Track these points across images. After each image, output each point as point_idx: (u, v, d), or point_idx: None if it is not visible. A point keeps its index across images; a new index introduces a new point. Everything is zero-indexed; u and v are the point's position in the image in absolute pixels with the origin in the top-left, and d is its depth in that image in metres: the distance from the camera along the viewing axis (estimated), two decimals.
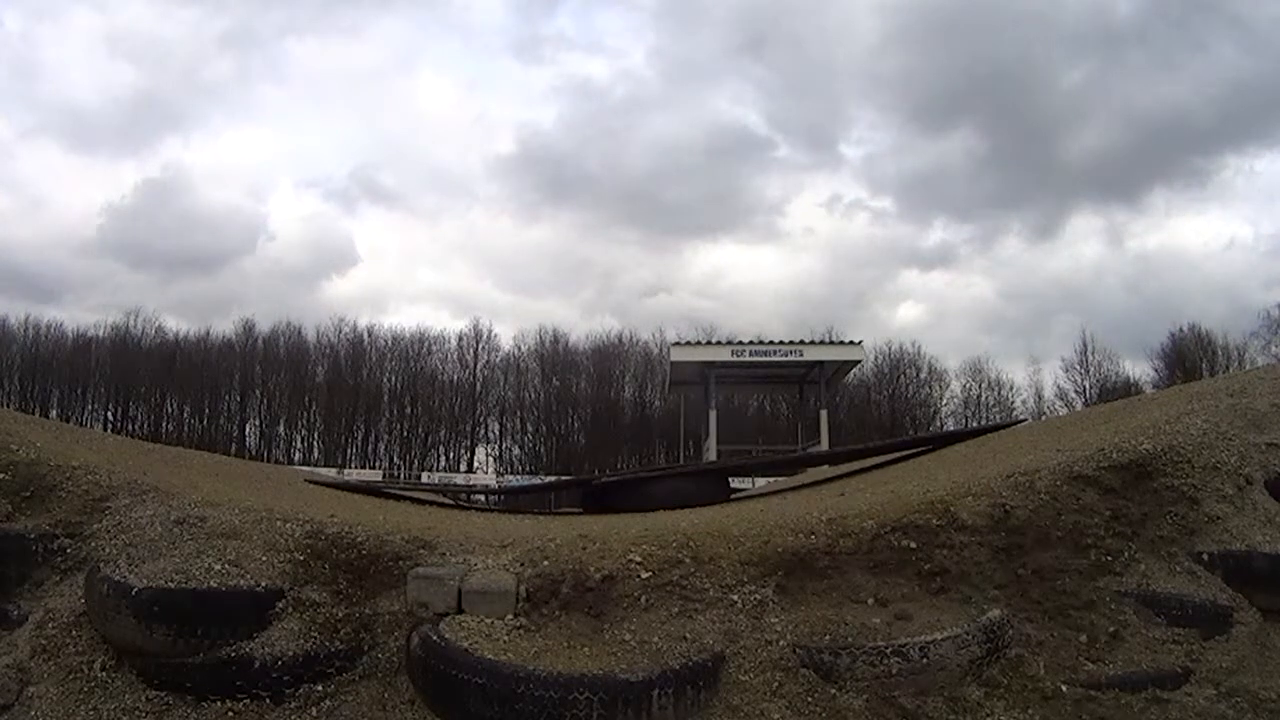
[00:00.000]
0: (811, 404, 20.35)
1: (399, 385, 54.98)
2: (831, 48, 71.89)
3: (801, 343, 17.96)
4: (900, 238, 70.71)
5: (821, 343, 18.93)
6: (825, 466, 7.14)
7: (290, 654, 2.56)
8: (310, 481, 5.96)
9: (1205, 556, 2.90)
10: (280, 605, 2.65)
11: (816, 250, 72.36)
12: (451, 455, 54.35)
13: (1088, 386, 47.91)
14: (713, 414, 18.20)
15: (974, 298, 69.66)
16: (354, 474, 40.47)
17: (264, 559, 2.76)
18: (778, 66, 73.00)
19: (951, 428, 36.75)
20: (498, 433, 55.51)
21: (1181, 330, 47.41)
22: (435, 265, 78.87)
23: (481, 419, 54.98)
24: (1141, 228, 70.28)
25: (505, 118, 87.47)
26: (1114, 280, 64.82)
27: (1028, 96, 64.19)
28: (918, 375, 53.41)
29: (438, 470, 49.87)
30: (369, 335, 55.79)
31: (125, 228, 68.09)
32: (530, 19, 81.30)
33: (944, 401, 52.44)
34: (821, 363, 17.89)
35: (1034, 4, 64.76)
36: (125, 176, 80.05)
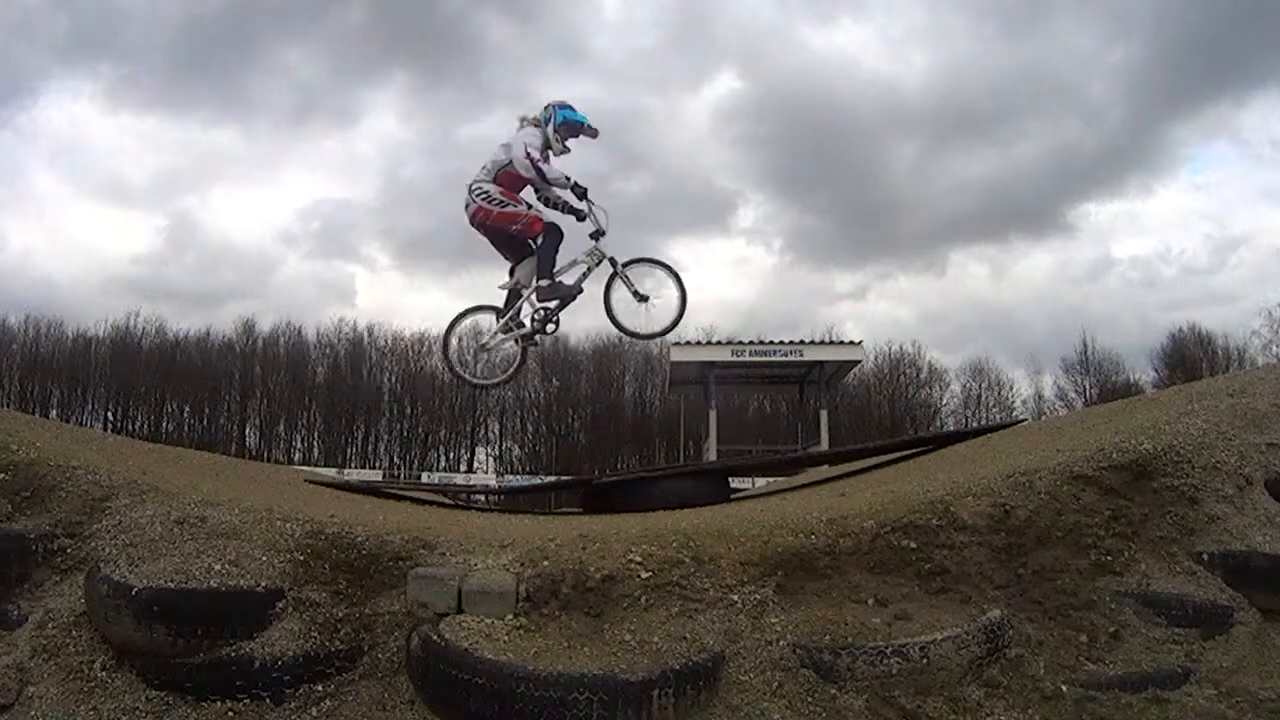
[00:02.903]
0: (811, 404, 20.38)
1: (399, 385, 54.97)
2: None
3: (801, 343, 18.02)
4: (812, 281, 73.03)
5: (821, 343, 18.99)
6: (825, 466, 7.13)
7: (290, 654, 2.56)
8: (310, 481, 5.95)
9: (1205, 556, 2.90)
10: (280, 605, 2.65)
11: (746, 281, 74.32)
12: (451, 455, 54.31)
13: (1088, 386, 47.90)
14: (713, 414, 18.27)
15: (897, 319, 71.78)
16: (354, 474, 40.40)
17: (264, 559, 2.76)
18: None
19: (951, 428, 36.74)
20: (498, 433, 55.45)
21: (1181, 330, 47.42)
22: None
23: (481, 419, 54.95)
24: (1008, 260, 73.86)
25: None
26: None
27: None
28: (918, 375, 53.31)
29: (438, 470, 49.86)
30: (369, 335, 55.80)
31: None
32: None
33: (944, 401, 52.47)
34: (821, 363, 17.95)
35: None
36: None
